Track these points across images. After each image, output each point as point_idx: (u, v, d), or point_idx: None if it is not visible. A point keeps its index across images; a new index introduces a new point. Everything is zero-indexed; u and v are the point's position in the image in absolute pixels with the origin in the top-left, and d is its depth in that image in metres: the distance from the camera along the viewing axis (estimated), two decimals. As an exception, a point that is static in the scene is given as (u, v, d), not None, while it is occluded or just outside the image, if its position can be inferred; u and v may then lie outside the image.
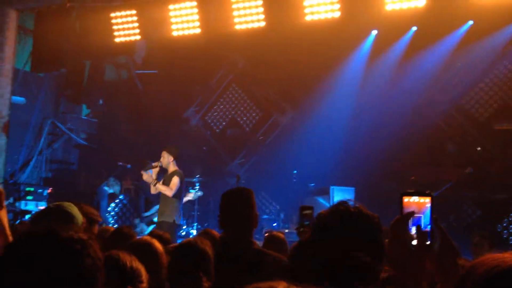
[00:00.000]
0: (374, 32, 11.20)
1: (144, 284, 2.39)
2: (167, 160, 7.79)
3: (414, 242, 1.52)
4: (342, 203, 1.72)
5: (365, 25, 10.67)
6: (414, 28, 10.75)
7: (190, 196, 10.25)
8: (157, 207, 8.73)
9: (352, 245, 1.60)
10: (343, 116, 11.33)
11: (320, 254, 1.63)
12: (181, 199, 7.97)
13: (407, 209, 1.58)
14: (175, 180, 7.62)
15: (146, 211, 10.85)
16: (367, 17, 9.31)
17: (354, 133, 11.11)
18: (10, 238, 3.41)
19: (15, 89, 9.99)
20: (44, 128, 11.58)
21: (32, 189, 10.20)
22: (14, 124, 9.94)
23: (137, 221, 10.55)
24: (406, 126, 10.73)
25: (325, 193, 9.86)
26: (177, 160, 7.91)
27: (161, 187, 7.67)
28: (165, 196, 7.68)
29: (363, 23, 10.20)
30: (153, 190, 7.90)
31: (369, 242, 1.63)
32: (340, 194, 9.63)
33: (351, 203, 1.73)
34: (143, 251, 2.96)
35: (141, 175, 7.83)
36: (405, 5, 7.94)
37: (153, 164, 7.80)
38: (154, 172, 7.76)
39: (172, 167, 7.79)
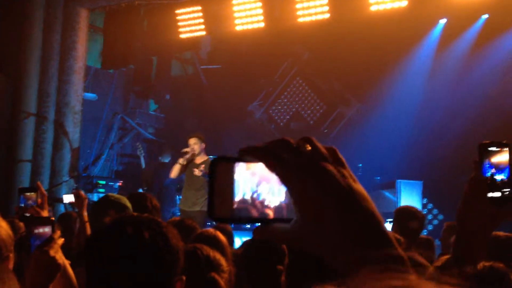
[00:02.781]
0: (443, 21, 10.81)
1: (226, 274, 2.43)
2: (199, 146, 7.46)
3: (490, 194, 1.43)
4: None
5: (433, 14, 10.32)
6: (485, 16, 10.29)
7: None
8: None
9: None
10: (411, 108, 11.03)
11: None
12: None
13: (485, 162, 1.49)
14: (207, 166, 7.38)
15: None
16: (435, 6, 9.01)
17: (422, 125, 10.80)
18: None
19: (87, 86, 10.39)
20: (115, 123, 12.00)
21: (103, 182, 10.61)
22: (86, 119, 10.35)
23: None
24: (477, 118, 10.30)
25: (392, 186, 9.65)
26: (206, 147, 7.60)
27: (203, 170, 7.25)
28: (197, 185, 7.37)
29: (431, 12, 9.87)
30: (174, 175, 7.58)
31: None
32: (407, 188, 9.40)
33: None
34: (210, 243, 3.01)
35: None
36: (476, -8, 7.61)
37: (184, 150, 7.45)
38: (185, 159, 7.43)
39: (203, 155, 7.50)
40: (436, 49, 11.02)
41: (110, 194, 3.87)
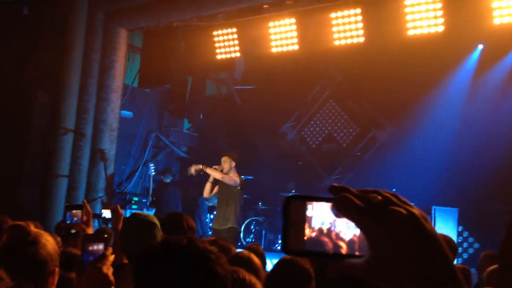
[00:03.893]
0: (480, 47, 10.70)
1: None
2: (229, 165, 7.53)
3: None
4: None
5: (470, 39, 10.23)
6: (524, 42, 10.16)
7: None
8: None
9: None
10: (446, 133, 10.89)
11: None
12: (242, 204, 7.69)
13: None
14: (237, 177, 7.38)
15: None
16: (472, 31, 8.93)
17: (458, 151, 10.63)
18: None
19: (123, 104, 10.61)
20: (149, 141, 12.19)
21: (136, 198, 10.76)
22: (122, 136, 10.54)
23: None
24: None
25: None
26: (238, 166, 7.66)
27: (225, 176, 7.39)
28: (228, 201, 7.42)
29: (467, 38, 9.79)
30: (206, 193, 7.70)
31: None
32: (442, 215, 9.24)
33: None
34: (245, 266, 3.03)
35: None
36: (515, 19, 7.52)
37: (214, 167, 7.57)
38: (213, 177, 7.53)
39: (233, 174, 7.54)
40: (473, 75, 10.90)
41: (137, 212, 3.93)
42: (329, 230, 0.77)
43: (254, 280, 2.55)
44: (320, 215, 0.78)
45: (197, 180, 11.53)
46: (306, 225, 0.77)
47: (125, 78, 10.37)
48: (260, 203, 11.68)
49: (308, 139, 13.76)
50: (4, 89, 10.23)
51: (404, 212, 0.72)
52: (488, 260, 4.62)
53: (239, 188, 7.43)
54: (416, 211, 0.74)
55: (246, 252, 3.54)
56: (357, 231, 0.76)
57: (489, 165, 9.92)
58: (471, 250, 10.32)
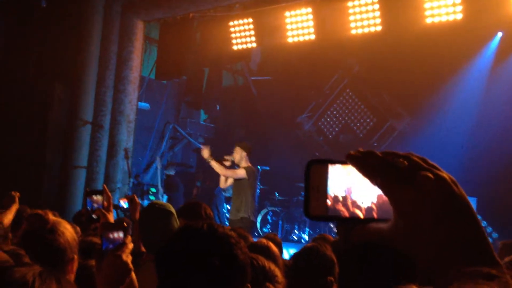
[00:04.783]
0: (500, 34, 10.54)
1: (281, 286, 2.45)
2: (240, 155, 7.55)
3: None
4: None
5: (489, 27, 10.08)
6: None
7: None
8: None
9: None
10: (464, 123, 10.78)
11: None
12: (255, 195, 7.72)
13: None
14: (241, 171, 7.43)
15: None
16: (491, 19, 8.78)
17: (476, 140, 10.52)
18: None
19: (141, 96, 10.67)
20: (166, 133, 12.25)
21: (154, 189, 10.84)
22: (139, 128, 10.61)
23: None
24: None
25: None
26: (250, 156, 7.67)
27: (227, 171, 7.47)
28: (239, 192, 7.48)
29: (486, 25, 9.64)
30: (222, 184, 7.75)
31: None
32: (460, 205, 9.16)
33: None
34: (264, 254, 3.03)
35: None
36: (535, 5, 7.39)
37: (225, 157, 7.61)
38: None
39: (244, 163, 7.54)
40: (492, 63, 10.75)
41: (155, 201, 3.97)
42: (349, 195, 0.75)
43: (273, 267, 2.55)
44: (343, 179, 0.75)
45: (214, 170, 11.56)
46: (328, 190, 0.75)
47: (142, 70, 10.42)
48: (277, 194, 11.69)
49: (325, 130, 13.71)
50: (23, 82, 10.35)
51: (433, 176, 0.69)
52: (507, 249, 4.58)
53: (247, 179, 7.44)
54: (445, 175, 0.71)
55: (264, 240, 3.55)
56: (378, 199, 0.73)
57: (508, 154, 9.80)
58: (489, 240, 10.23)
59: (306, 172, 0.76)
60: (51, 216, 2.26)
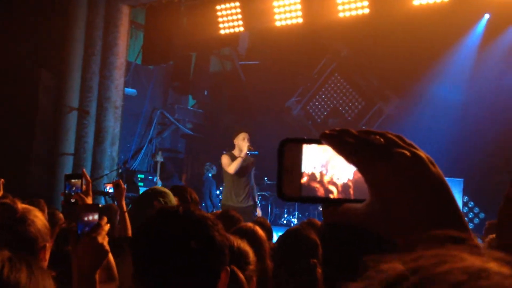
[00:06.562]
0: (487, 16, 10.54)
1: (252, 266, 2.43)
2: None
3: None
4: None
5: (476, 9, 10.08)
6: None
7: None
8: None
9: None
10: (452, 105, 10.82)
11: None
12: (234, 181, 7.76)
13: None
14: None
15: None
16: (479, 0, 8.78)
17: (463, 122, 10.57)
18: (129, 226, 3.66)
19: (127, 81, 10.58)
20: (154, 118, 12.19)
21: (142, 176, 10.81)
22: (127, 114, 10.54)
23: None
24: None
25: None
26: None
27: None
28: (242, 180, 7.72)
29: (473, 7, 9.64)
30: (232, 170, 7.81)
31: None
32: (447, 186, 9.23)
33: None
34: (247, 237, 3.02)
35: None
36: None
37: (250, 147, 7.84)
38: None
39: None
40: (479, 45, 10.76)
41: (156, 186, 3.95)
42: (325, 174, 0.72)
43: (244, 246, 2.50)
44: (317, 158, 0.73)
45: (202, 156, 11.57)
46: (302, 170, 0.73)
47: (128, 55, 10.32)
48: (266, 178, 11.70)
49: (314, 114, 13.71)
50: (8, 70, 10.21)
51: (409, 154, 0.68)
52: (493, 229, 4.61)
53: (225, 169, 7.50)
54: (422, 154, 0.69)
55: (250, 224, 3.54)
56: (355, 175, 0.72)
57: (494, 135, 9.87)
58: (476, 220, 10.34)
59: (279, 151, 0.74)
60: (20, 205, 2.21)
